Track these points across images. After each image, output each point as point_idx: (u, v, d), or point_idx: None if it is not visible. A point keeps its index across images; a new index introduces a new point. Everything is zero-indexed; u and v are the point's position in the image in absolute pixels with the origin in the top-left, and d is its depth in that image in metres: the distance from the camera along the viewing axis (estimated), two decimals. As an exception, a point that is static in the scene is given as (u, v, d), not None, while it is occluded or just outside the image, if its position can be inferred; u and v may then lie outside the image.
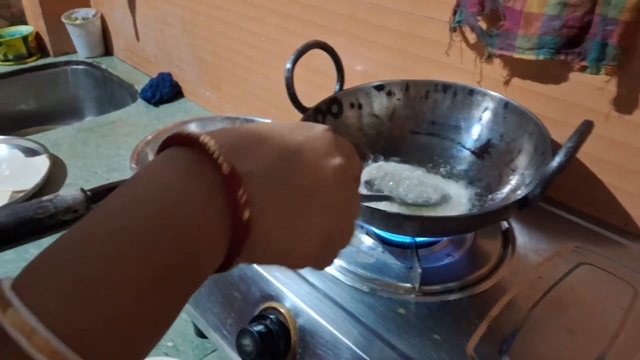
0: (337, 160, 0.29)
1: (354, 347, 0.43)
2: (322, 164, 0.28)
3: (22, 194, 0.89)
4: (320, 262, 0.31)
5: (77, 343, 0.19)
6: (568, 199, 0.62)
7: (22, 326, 0.19)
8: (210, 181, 0.24)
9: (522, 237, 0.56)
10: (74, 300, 0.20)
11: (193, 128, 0.92)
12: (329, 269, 0.51)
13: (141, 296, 0.21)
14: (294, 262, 0.29)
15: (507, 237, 0.56)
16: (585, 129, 0.44)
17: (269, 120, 0.92)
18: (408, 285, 0.49)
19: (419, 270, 0.47)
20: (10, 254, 0.79)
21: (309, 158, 0.28)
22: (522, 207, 0.46)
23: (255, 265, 0.51)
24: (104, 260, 0.21)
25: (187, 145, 0.25)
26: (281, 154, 0.27)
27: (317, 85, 0.86)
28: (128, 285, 0.21)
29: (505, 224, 0.57)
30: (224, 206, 0.24)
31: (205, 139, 0.24)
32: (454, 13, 0.61)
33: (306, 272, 0.51)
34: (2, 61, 1.49)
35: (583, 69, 0.52)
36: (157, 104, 1.24)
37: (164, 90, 1.24)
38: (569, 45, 0.53)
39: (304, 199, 0.27)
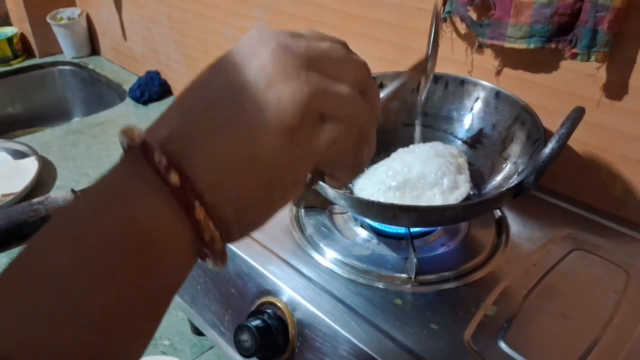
0: (264, 50, 0.24)
1: (352, 339, 0.43)
2: (245, 65, 0.24)
3: (11, 197, 0.88)
4: (315, 157, 0.25)
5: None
6: (560, 186, 0.62)
7: None
8: (135, 162, 0.23)
9: (515, 225, 0.56)
10: (22, 318, 0.20)
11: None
12: (324, 262, 0.51)
13: (87, 303, 0.20)
14: (278, 183, 0.24)
15: (501, 226, 0.56)
16: (577, 116, 0.44)
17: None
18: (404, 275, 0.49)
19: (414, 261, 0.48)
20: (2, 257, 0.78)
21: (225, 69, 0.24)
22: (516, 194, 0.46)
23: (251, 261, 0.51)
24: (40, 274, 0.20)
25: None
26: (197, 88, 0.24)
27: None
28: (59, 284, 0.20)
29: (498, 213, 0.58)
30: (155, 182, 0.22)
31: (126, 128, 0.23)
32: (444, 3, 0.61)
33: (302, 265, 0.51)
34: (-13, 63, 1.47)
35: (574, 56, 0.53)
36: (146, 103, 1.23)
37: (153, 89, 1.23)
38: (560, 33, 0.53)
39: (233, 108, 0.23)
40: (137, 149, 0.22)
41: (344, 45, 0.27)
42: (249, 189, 0.24)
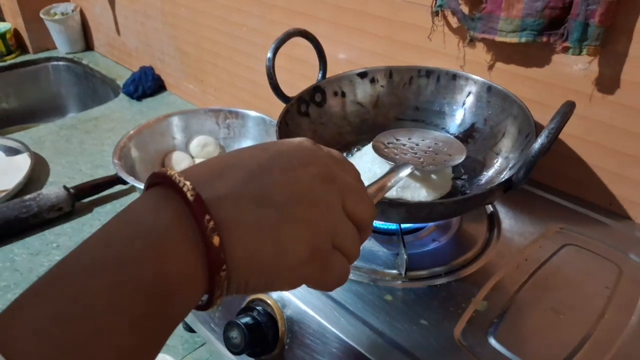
0: (312, 169, 0.28)
1: (342, 335, 0.43)
2: (294, 175, 0.28)
3: (3, 194, 0.87)
4: (316, 277, 0.29)
5: None
6: (552, 181, 0.62)
7: None
8: (177, 212, 0.24)
9: (507, 220, 0.56)
10: (49, 342, 0.20)
11: (176, 122, 0.91)
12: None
13: (114, 333, 0.22)
14: (284, 279, 0.28)
15: (493, 221, 0.56)
16: (567, 110, 0.44)
17: (254, 114, 0.91)
18: (395, 271, 0.49)
19: (405, 257, 0.47)
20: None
21: (279, 170, 0.28)
22: (506, 190, 0.46)
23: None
24: (75, 299, 0.22)
25: (161, 183, 0.26)
26: (251, 173, 0.27)
27: (300, 75, 0.85)
28: (93, 323, 0.21)
29: (490, 208, 0.57)
30: (194, 235, 0.24)
31: (172, 172, 0.25)
32: (436, -3, 0.61)
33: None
34: (-19, 59, 1.46)
35: (566, 50, 0.52)
36: (139, 98, 1.23)
37: (147, 84, 1.23)
38: (551, 27, 0.53)
39: (279, 212, 0.27)
40: (186, 203, 0.24)
41: (361, 183, 0.32)
42: (261, 273, 0.27)
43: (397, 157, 0.51)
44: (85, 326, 0.21)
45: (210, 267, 0.24)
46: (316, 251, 0.28)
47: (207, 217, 0.24)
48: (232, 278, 0.25)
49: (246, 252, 0.25)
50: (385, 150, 0.52)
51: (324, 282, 0.30)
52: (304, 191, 0.27)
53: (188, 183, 0.25)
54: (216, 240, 0.24)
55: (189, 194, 0.24)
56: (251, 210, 0.26)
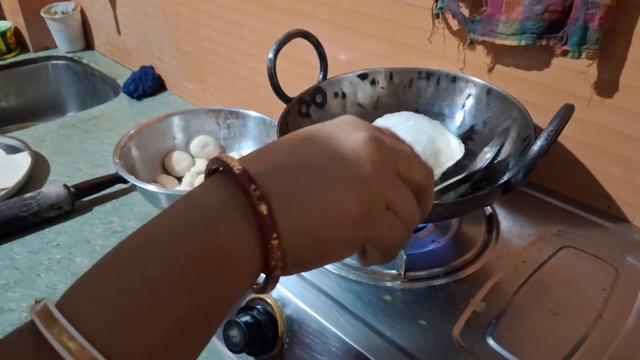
0: (357, 134, 0.28)
1: (341, 335, 0.43)
2: (337, 140, 0.28)
3: (3, 192, 0.87)
4: (373, 235, 0.29)
5: (113, 351, 0.21)
6: (551, 183, 0.62)
7: (64, 341, 0.21)
8: (228, 188, 0.26)
9: (506, 222, 0.56)
10: (110, 309, 0.22)
11: (176, 122, 0.91)
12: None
13: (171, 302, 0.23)
14: (338, 241, 0.28)
15: (492, 222, 0.56)
16: (566, 113, 0.44)
17: (254, 114, 0.92)
18: (394, 272, 0.49)
19: (404, 257, 0.48)
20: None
21: (321, 139, 0.28)
22: (505, 192, 0.46)
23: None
24: (133, 270, 0.23)
25: (217, 169, 0.28)
26: (293, 146, 0.28)
27: (301, 76, 0.86)
28: (150, 291, 0.23)
29: (489, 209, 0.58)
30: (243, 207, 0.25)
31: (223, 156, 0.27)
32: None
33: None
34: (-20, 57, 1.46)
35: (565, 54, 0.53)
36: (139, 98, 1.23)
37: (147, 84, 1.23)
38: (551, 30, 0.53)
39: (320, 174, 0.27)
40: (233, 176, 0.26)
41: (414, 150, 0.32)
42: (314, 240, 0.27)
43: None
44: (143, 294, 0.22)
45: (261, 235, 0.25)
46: (367, 204, 0.27)
47: (253, 186, 0.25)
48: (286, 250, 0.26)
49: (295, 220, 0.26)
50: None
51: (383, 242, 0.29)
52: (347, 152, 0.28)
53: (236, 161, 0.26)
54: (263, 208, 0.25)
55: (235, 169, 0.26)
56: (293, 178, 0.27)
